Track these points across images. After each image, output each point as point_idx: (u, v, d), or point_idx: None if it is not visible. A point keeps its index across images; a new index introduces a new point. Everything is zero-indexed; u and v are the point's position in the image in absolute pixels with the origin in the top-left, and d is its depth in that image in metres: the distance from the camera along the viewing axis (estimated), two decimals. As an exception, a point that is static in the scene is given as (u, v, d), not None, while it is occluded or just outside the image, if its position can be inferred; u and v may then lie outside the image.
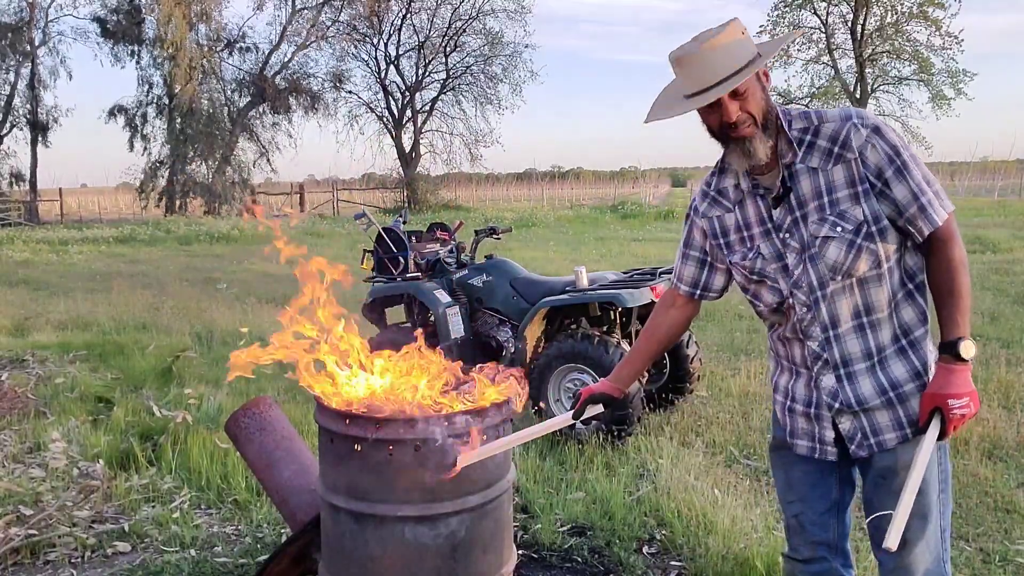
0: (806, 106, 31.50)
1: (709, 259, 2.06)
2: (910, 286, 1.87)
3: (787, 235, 1.86)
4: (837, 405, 1.90)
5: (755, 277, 1.94)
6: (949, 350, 1.76)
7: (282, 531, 3.25)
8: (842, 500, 2.12)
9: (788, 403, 2.03)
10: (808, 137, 1.82)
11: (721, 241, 2.00)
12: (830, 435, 1.95)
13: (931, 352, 1.89)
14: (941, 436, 1.84)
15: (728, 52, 1.73)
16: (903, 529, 1.71)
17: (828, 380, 1.89)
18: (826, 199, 1.80)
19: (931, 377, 1.84)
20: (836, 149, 1.79)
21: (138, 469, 3.93)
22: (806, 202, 1.82)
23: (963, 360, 1.76)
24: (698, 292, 2.10)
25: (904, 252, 1.85)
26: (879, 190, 1.78)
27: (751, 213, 1.93)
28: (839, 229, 1.79)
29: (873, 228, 1.78)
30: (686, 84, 1.79)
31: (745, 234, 1.95)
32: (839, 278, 1.82)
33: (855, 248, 1.78)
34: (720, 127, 1.81)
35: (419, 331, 2.51)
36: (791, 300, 1.89)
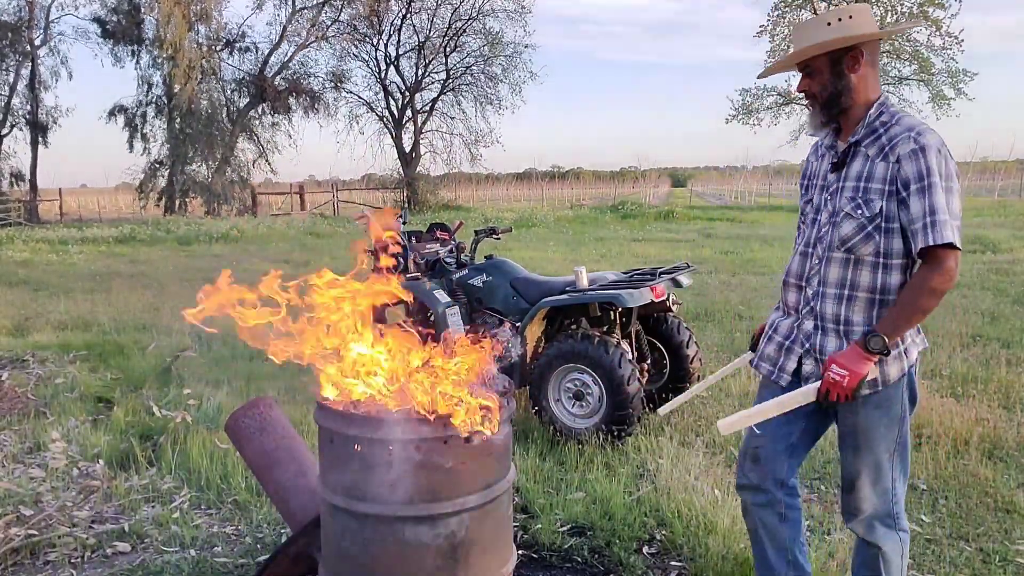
0: (806, 106, 31.44)
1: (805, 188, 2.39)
2: (880, 293, 2.14)
3: (829, 197, 2.19)
4: (807, 347, 2.25)
5: (802, 216, 2.32)
6: (864, 335, 2.08)
7: (282, 531, 3.25)
8: (799, 446, 2.38)
9: (770, 332, 2.39)
10: (880, 129, 2.10)
11: (804, 181, 2.38)
12: (791, 367, 2.29)
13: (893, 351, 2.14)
14: (820, 393, 2.11)
15: (811, 32, 2.11)
16: (740, 425, 2.17)
17: (808, 325, 2.25)
18: (863, 184, 2.10)
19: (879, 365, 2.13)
20: (887, 148, 2.07)
21: (138, 469, 3.92)
22: (850, 178, 2.13)
23: (867, 348, 2.04)
24: (802, 217, 2.37)
25: (912, 265, 2.11)
26: (901, 197, 2.04)
27: (822, 168, 2.26)
28: (859, 212, 2.10)
29: (883, 224, 2.07)
30: (796, 43, 2.18)
31: (811, 182, 2.31)
32: (843, 250, 2.14)
33: (864, 232, 2.10)
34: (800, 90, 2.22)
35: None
36: (811, 249, 2.24)
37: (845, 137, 2.18)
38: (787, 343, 2.30)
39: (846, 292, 2.15)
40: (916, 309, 2.03)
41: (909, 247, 2.06)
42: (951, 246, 1.96)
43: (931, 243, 1.96)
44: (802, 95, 2.22)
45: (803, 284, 2.25)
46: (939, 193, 1.97)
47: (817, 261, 2.21)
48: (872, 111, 2.12)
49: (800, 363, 2.26)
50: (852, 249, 2.12)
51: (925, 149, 1.99)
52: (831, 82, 2.13)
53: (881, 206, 2.05)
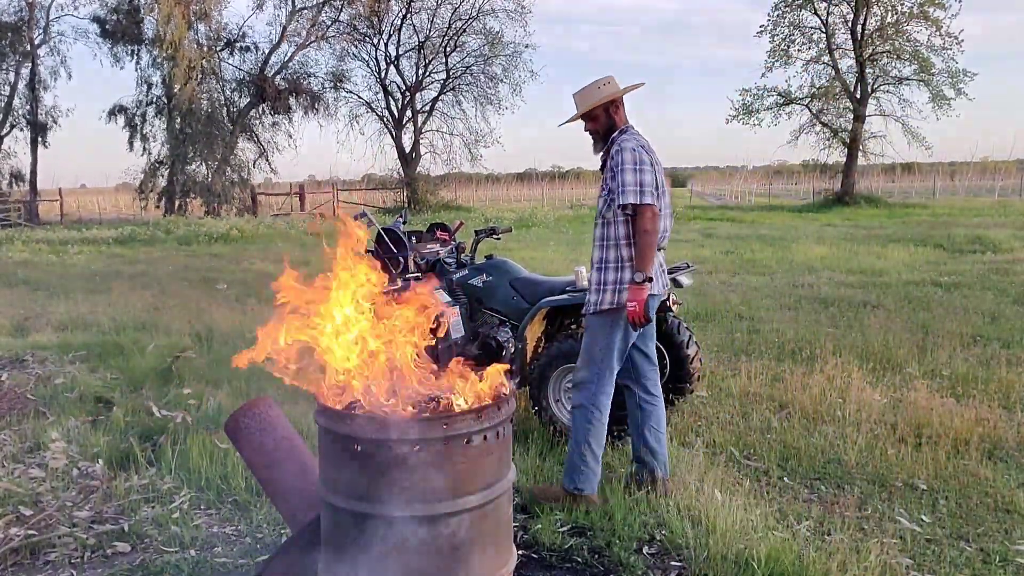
0: (806, 106, 31.54)
1: None
2: (622, 239, 3.36)
3: (601, 186, 3.48)
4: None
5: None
6: (617, 283, 3.37)
7: (282, 531, 3.25)
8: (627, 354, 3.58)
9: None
10: (612, 142, 3.42)
11: None
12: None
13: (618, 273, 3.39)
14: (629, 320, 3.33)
15: (588, 97, 3.44)
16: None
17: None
18: (606, 174, 3.39)
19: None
20: (609, 155, 3.41)
21: (138, 469, 3.92)
22: (605, 173, 3.42)
23: (635, 282, 3.26)
24: None
25: (625, 220, 3.34)
26: (613, 176, 3.31)
27: None
28: (604, 191, 3.40)
29: (609, 196, 3.35)
30: (578, 108, 3.49)
31: None
32: (600, 216, 3.44)
33: (604, 202, 3.41)
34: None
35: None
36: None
37: (603, 154, 3.47)
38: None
39: (600, 243, 3.43)
40: (642, 246, 3.24)
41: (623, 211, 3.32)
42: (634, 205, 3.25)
43: (624, 203, 3.26)
44: (589, 131, 3.52)
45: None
46: (625, 174, 3.25)
47: (595, 224, 3.51)
48: (615, 135, 3.42)
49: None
50: (602, 214, 3.42)
51: (620, 151, 3.29)
52: (605, 122, 3.44)
53: (609, 186, 3.34)
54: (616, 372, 3.49)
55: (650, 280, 3.25)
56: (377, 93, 35.28)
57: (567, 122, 3.51)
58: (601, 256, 3.41)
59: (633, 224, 3.28)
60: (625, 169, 3.24)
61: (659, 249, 3.45)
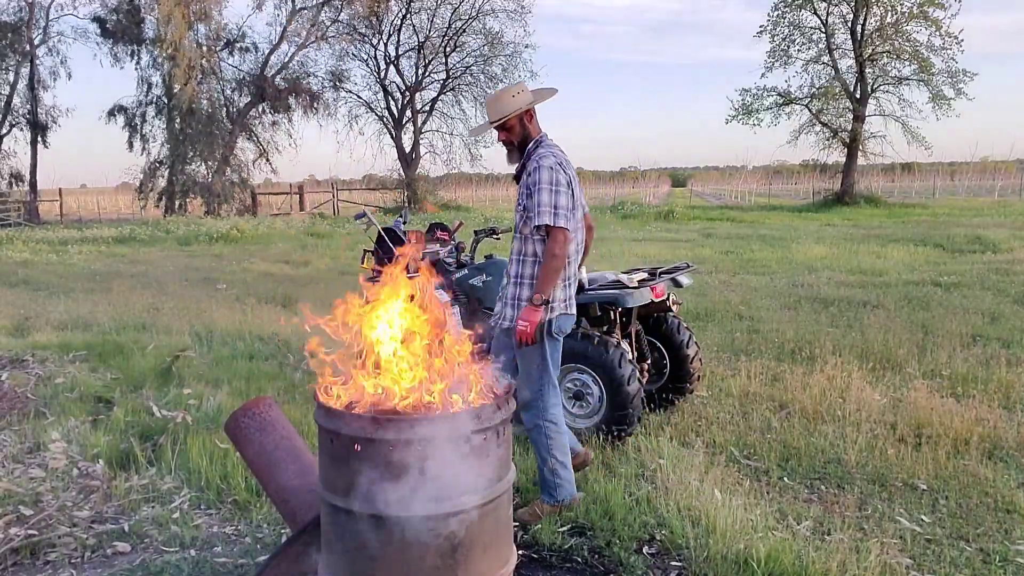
0: (806, 106, 31.52)
1: None
2: (539, 256, 3.29)
3: (517, 199, 3.39)
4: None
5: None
6: (529, 300, 3.25)
7: (282, 531, 3.25)
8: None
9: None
10: (529, 155, 3.32)
11: None
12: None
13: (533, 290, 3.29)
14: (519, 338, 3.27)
15: (502, 106, 3.29)
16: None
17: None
18: (523, 190, 3.31)
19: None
20: (526, 169, 3.30)
21: (138, 469, 3.92)
22: (520, 187, 3.33)
23: (532, 303, 3.21)
24: None
25: (541, 239, 3.27)
26: (528, 195, 3.24)
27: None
28: (520, 208, 3.34)
29: (526, 213, 3.28)
30: (490, 117, 3.35)
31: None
32: (518, 231, 3.37)
33: (521, 218, 3.34)
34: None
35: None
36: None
37: (519, 161, 3.35)
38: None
39: (517, 257, 3.36)
40: (545, 272, 3.21)
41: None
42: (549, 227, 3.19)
43: (538, 224, 3.19)
44: (503, 142, 3.38)
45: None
46: (540, 194, 3.17)
47: (514, 238, 3.41)
48: (531, 145, 3.32)
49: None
50: (520, 230, 3.34)
51: (538, 168, 3.20)
52: (519, 132, 3.33)
53: (526, 204, 3.26)
54: (555, 379, 3.42)
55: (547, 303, 3.22)
56: (377, 93, 35.32)
57: (477, 131, 3.47)
58: (518, 271, 3.35)
59: (544, 245, 3.24)
60: (542, 189, 3.17)
61: (577, 263, 3.45)
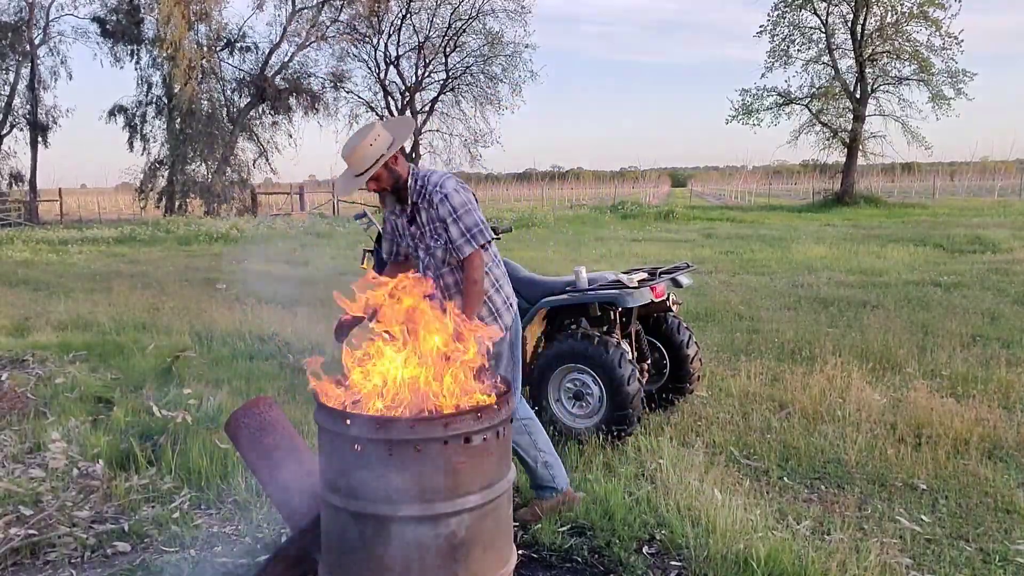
0: (806, 106, 31.53)
1: (395, 237, 3.38)
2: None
3: (418, 240, 3.24)
4: None
5: (409, 253, 3.35)
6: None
7: (282, 531, 3.25)
8: None
9: None
10: (421, 191, 3.14)
11: (389, 235, 3.39)
12: None
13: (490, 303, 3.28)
14: None
15: (363, 157, 3.01)
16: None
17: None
18: (432, 225, 3.15)
19: None
20: (429, 200, 3.12)
21: (138, 469, 3.92)
22: (424, 224, 3.18)
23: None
24: (390, 258, 3.42)
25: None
26: (445, 227, 3.10)
27: (399, 223, 3.29)
28: (440, 241, 3.15)
29: (453, 243, 3.11)
30: (354, 171, 3.06)
31: (398, 233, 3.33)
32: (446, 266, 3.21)
33: (447, 251, 3.16)
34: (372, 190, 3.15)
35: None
36: (428, 271, 3.22)
37: (406, 201, 3.17)
38: None
39: (457, 288, 3.22)
40: (469, 296, 3.10)
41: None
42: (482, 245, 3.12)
43: (464, 256, 3.10)
44: (375, 191, 3.16)
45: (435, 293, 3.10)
46: (462, 220, 3.08)
47: (436, 277, 3.18)
48: (411, 183, 3.14)
49: None
50: (446, 262, 3.19)
51: (447, 196, 3.07)
52: (390, 178, 3.09)
53: (447, 236, 3.11)
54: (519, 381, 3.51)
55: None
56: (377, 93, 35.37)
57: (344, 190, 3.19)
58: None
59: (464, 268, 3.15)
60: (459, 214, 3.07)
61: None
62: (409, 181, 3.13)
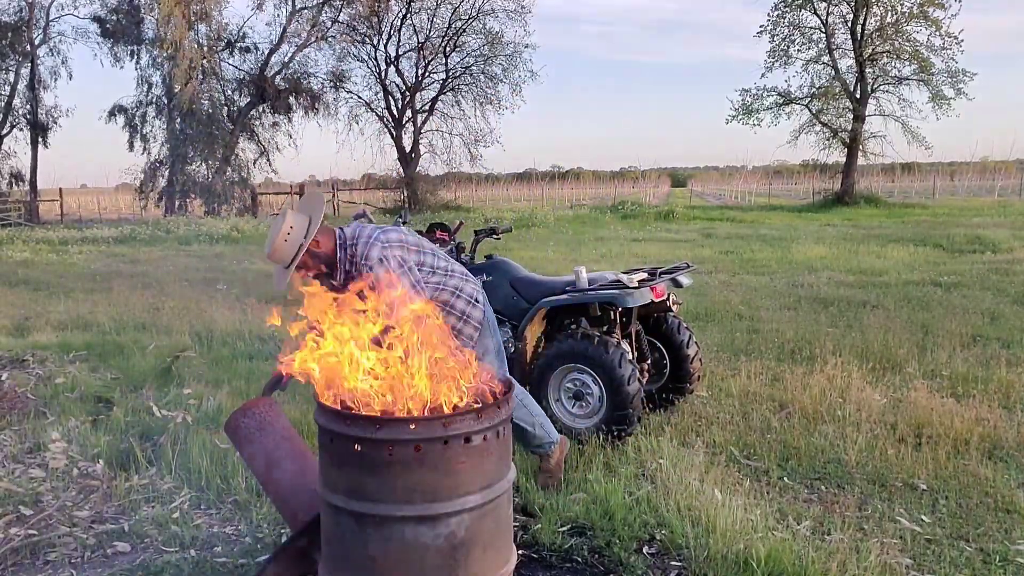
0: (806, 106, 31.50)
1: None
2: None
3: None
4: None
5: None
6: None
7: (282, 531, 3.25)
8: None
9: None
10: (351, 261, 3.09)
11: None
12: None
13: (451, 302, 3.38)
14: None
15: (282, 251, 3.02)
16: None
17: None
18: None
19: None
20: (358, 270, 3.03)
21: (138, 469, 3.92)
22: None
23: None
24: None
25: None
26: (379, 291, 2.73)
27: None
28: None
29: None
30: (281, 265, 3.05)
31: None
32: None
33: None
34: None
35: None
36: None
37: (337, 277, 3.10)
38: None
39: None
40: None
41: None
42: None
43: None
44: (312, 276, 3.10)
45: None
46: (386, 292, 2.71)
47: None
48: (339, 255, 3.10)
49: None
50: None
51: (372, 269, 2.98)
52: (316, 263, 3.08)
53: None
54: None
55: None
56: (377, 93, 35.28)
57: (281, 288, 3.07)
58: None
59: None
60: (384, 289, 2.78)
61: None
62: (338, 254, 3.10)
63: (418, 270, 3.23)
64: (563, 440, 3.76)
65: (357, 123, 35.28)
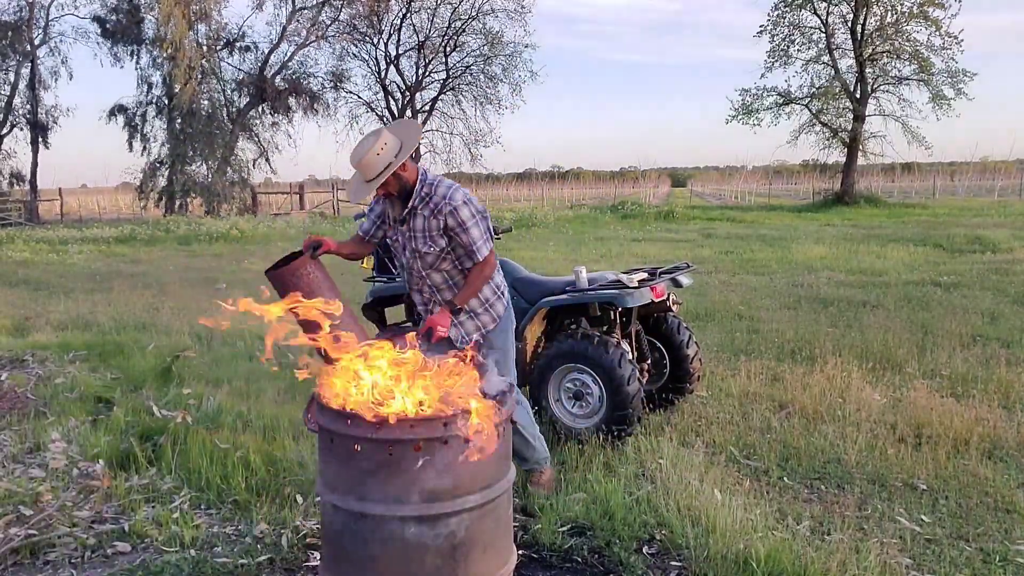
0: (806, 106, 31.50)
1: (381, 223, 3.50)
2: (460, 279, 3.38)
3: (406, 241, 3.35)
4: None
5: (392, 247, 3.50)
6: (448, 303, 3.35)
7: (282, 531, 3.26)
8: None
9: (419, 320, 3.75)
10: (426, 198, 3.23)
11: (383, 221, 3.49)
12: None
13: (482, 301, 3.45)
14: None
15: (371, 165, 3.10)
16: None
17: (435, 307, 3.49)
18: (426, 233, 3.26)
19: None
20: (435, 211, 3.22)
21: (138, 469, 3.92)
22: (416, 230, 3.28)
23: (452, 306, 3.30)
24: (367, 238, 3.56)
25: (464, 266, 3.36)
26: (455, 233, 3.23)
27: (391, 216, 3.40)
28: (431, 248, 3.28)
29: (449, 251, 3.29)
30: (363, 177, 3.15)
31: (392, 224, 3.41)
32: (432, 269, 3.35)
33: (439, 258, 3.31)
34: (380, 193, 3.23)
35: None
36: (412, 272, 3.44)
37: (403, 204, 3.26)
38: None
39: (446, 285, 3.39)
40: (475, 291, 3.34)
41: (462, 260, 3.33)
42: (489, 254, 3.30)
43: (479, 260, 3.27)
44: (384, 196, 3.29)
45: (419, 289, 3.48)
46: (473, 229, 3.22)
47: (419, 277, 3.41)
48: (418, 187, 3.22)
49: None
50: (436, 267, 3.33)
51: (456, 209, 3.18)
52: (397, 184, 3.18)
53: (443, 243, 3.25)
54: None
55: (459, 311, 3.35)
56: (377, 93, 35.34)
57: (357, 195, 3.25)
58: (446, 296, 3.40)
59: (476, 268, 3.34)
60: (476, 221, 3.24)
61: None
62: (417, 186, 3.21)
63: None
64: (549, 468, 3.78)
65: (357, 123, 35.34)
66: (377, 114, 35.31)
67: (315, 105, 34.24)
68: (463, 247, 3.27)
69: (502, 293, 3.55)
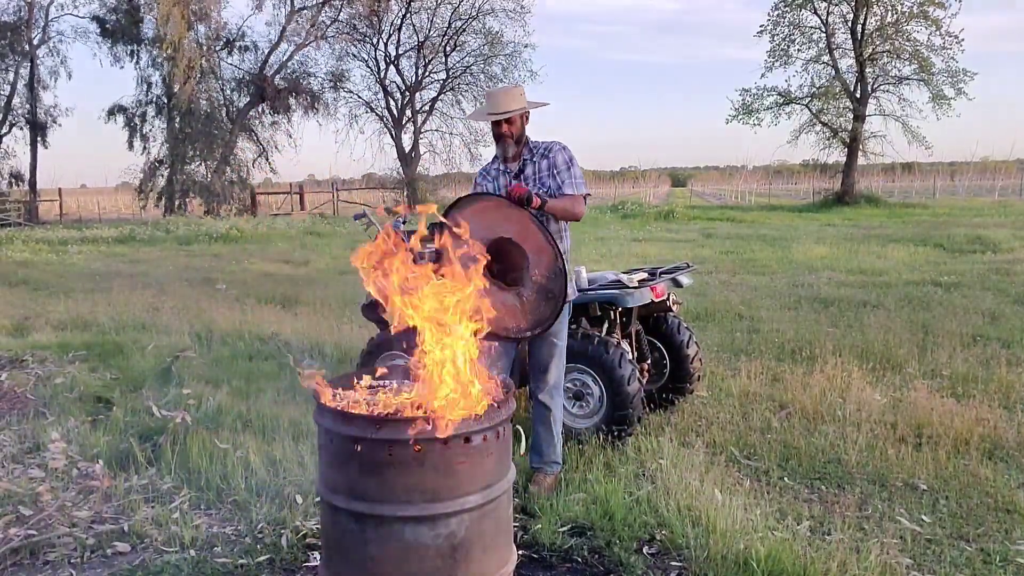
0: (806, 106, 31.50)
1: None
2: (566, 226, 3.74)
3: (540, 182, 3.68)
4: None
5: None
6: (537, 193, 3.53)
7: (282, 531, 3.25)
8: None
9: None
10: (536, 150, 3.70)
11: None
12: None
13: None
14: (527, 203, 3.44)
15: (510, 101, 3.57)
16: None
17: None
18: (538, 176, 3.67)
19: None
20: (547, 154, 3.67)
21: (138, 469, 3.92)
22: (530, 176, 3.68)
23: (533, 194, 3.45)
24: None
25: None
26: (557, 171, 3.64)
27: (500, 182, 3.74)
28: (545, 190, 3.63)
29: (561, 188, 3.64)
30: (495, 108, 3.59)
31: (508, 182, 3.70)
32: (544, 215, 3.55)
33: (550, 195, 3.61)
34: (496, 133, 3.67)
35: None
36: None
37: (515, 159, 3.70)
38: None
39: (559, 235, 3.61)
40: (563, 209, 3.59)
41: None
42: (584, 196, 3.69)
43: (576, 192, 3.63)
44: (502, 135, 3.64)
45: None
46: (572, 169, 3.64)
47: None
48: (529, 139, 3.70)
49: None
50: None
51: (565, 149, 3.67)
52: (519, 128, 3.66)
53: (551, 184, 3.64)
54: None
55: (539, 207, 3.47)
56: (377, 93, 35.31)
57: (477, 119, 3.66)
58: (567, 246, 3.68)
59: (571, 198, 3.66)
60: (574, 163, 3.67)
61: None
62: (528, 138, 3.70)
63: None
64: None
65: (357, 123, 35.33)
66: (377, 114, 35.32)
67: (315, 105, 34.24)
68: (563, 182, 3.63)
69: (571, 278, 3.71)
